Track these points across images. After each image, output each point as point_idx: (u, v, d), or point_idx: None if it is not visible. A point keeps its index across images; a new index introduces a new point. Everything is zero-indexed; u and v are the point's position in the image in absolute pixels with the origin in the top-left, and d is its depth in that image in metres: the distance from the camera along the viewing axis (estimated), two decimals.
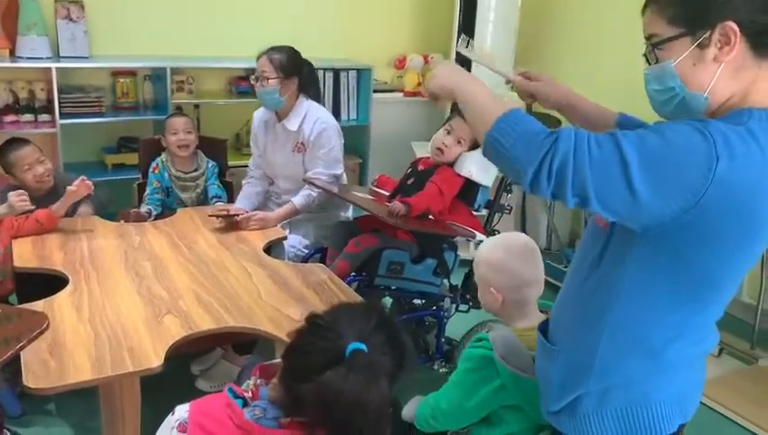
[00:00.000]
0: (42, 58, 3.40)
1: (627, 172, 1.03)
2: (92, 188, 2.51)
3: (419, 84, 4.46)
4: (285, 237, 2.65)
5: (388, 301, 2.73)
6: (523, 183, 1.10)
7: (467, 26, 3.97)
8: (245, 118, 4.11)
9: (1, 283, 2.26)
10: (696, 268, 1.13)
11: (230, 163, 3.32)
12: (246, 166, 3.09)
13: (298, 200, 2.74)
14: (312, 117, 2.75)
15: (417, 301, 2.58)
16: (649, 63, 1.18)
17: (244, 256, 2.40)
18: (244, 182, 3.01)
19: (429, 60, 4.46)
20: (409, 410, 1.84)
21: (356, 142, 4.25)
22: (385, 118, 4.34)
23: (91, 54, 3.59)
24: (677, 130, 1.06)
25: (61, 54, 3.49)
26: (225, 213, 2.67)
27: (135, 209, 2.84)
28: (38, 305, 1.90)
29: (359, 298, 2.10)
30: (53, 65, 3.32)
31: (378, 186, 2.70)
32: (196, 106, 3.89)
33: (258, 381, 1.16)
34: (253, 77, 2.80)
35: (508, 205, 2.59)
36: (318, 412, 1.07)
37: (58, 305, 1.93)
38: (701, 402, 1.37)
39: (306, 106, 2.79)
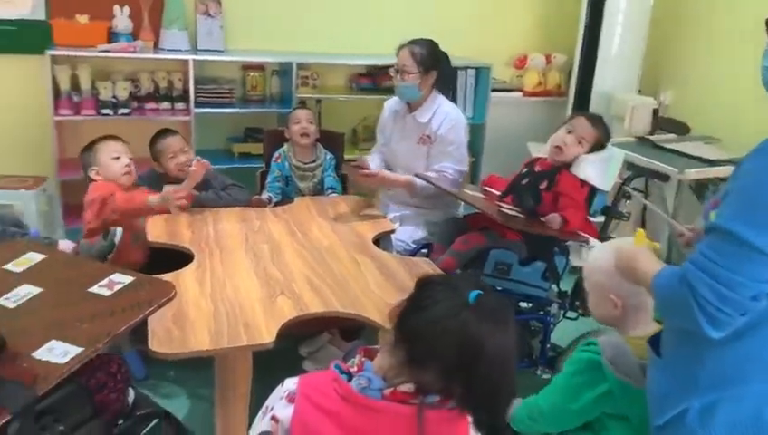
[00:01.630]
0: (181, 51, 3.65)
1: (753, 244, 1.09)
2: (209, 165, 2.66)
3: (539, 84, 4.38)
4: (394, 231, 2.70)
5: None
6: (712, 330, 1.14)
7: (594, 26, 3.85)
8: (364, 114, 4.23)
9: (135, 249, 2.46)
10: None
11: (346, 157, 3.41)
12: (354, 160, 3.16)
13: (419, 181, 2.76)
14: (443, 112, 2.81)
15: (523, 304, 2.55)
16: None
17: (355, 246, 2.47)
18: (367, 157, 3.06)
19: (552, 59, 4.36)
20: (508, 412, 1.82)
21: (470, 141, 4.19)
22: (502, 117, 4.29)
23: (225, 48, 3.82)
24: (755, 169, 1.13)
25: (198, 48, 3.74)
26: (360, 166, 2.75)
27: (257, 196, 3.00)
28: (166, 278, 2.06)
29: None
30: (191, 57, 3.55)
31: (488, 184, 2.69)
32: (318, 101, 4.02)
33: (363, 358, 1.21)
34: (392, 70, 2.86)
35: (627, 212, 2.50)
36: (441, 366, 1.10)
37: (183, 279, 2.08)
38: None
39: (439, 101, 2.86)
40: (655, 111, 3.59)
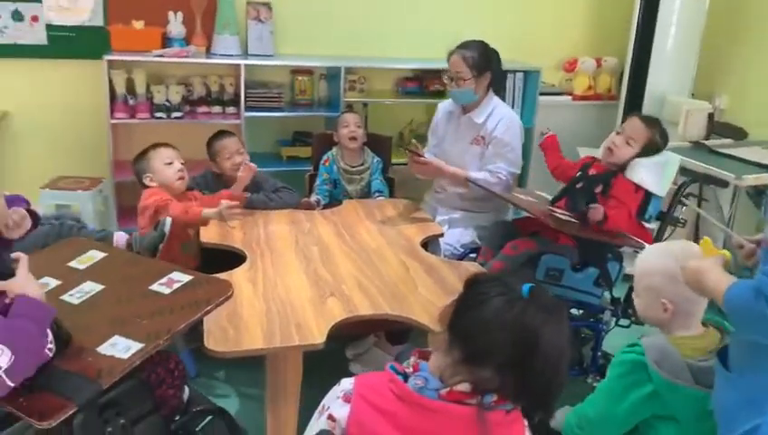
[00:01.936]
0: (232, 55, 3.72)
1: None
2: (256, 169, 2.69)
3: (589, 88, 4.31)
4: (442, 234, 2.69)
5: None
6: None
7: (647, 27, 3.77)
8: (409, 117, 4.24)
9: (185, 257, 2.51)
10: None
11: (393, 161, 3.42)
12: (406, 164, 3.17)
13: (473, 174, 2.76)
14: (499, 114, 2.80)
15: (574, 311, 2.51)
16: None
17: (403, 249, 2.47)
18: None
19: (602, 62, 4.29)
20: (558, 420, 1.80)
21: None
22: (550, 121, 4.20)
23: (274, 53, 3.87)
24: None
25: (249, 52, 3.80)
26: (417, 153, 2.76)
27: (306, 199, 3.03)
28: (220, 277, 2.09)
29: None
30: (243, 62, 3.61)
31: (544, 144, 2.66)
32: (365, 105, 4.05)
33: (417, 359, 1.21)
34: (446, 77, 2.85)
35: (682, 218, 2.44)
36: (498, 362, 1.10)
37: (236, 279, 2.11)
38: None
39: (494, 102, 2.85)
40: (710, 116, 3.50)
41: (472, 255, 2.68)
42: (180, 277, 1.54)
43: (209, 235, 2.48)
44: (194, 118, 3.71)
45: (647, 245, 2.21)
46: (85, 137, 3.71)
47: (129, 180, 3.34)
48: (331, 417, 1.15)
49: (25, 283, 1.30)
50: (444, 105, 3.06)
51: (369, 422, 1.12)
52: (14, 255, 1.34)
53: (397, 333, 2.70)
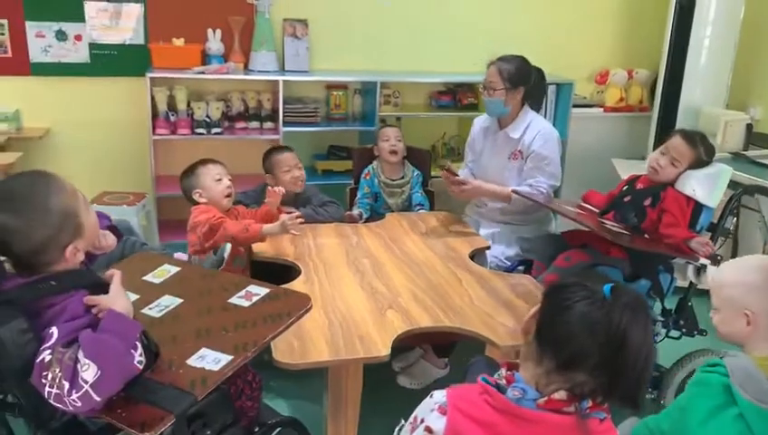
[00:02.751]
0: (269, 72, 3.78)
1: None
2: (283, 192, 2.66)
3: (621, 100, 4.33)
4: (489, 247, 2.71)
5: None
6: None
7: (680, 41, 3.79)
8: (443, 131, 4.28)
9: (234, 270, 2.55)
10: None
11: (432, 174, 3.45)
12: (439, 178, 3.19)
13: (515, 190, 2.78)
14: (536, 127, 2.82)
15: None
16: None
17: (452, 261, 2.49)
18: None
19: (634, 74, 4.31)
20: (625, 431, 1.80)
21: None
22: (582, 133, 4.25)
23: (310, 69, 3.92)
24: None
25: (285, 68, 3.86)
26: (453, 173, 2.80)
27: (348, 212, 3.06)
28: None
29: None
30: (280, 78, 3.67)
31: (585, 200, 2.67)
32: (398, 118, 4.08)
33: (508, 371, 1.22)
34: (481, 86, 2.91)
35: (732, 229, 2.44)
36: (591, 363, 1.13)
37: (301, 292, 2.13)
38: None
39: (530, 116, 2.87)
40: (749, 126, 3.50)
41: (520, 267, 2.70)
42: (258, 290, 1.57)
43: (262, 248, 2.51)
44: (233, 133, 3.77)
45: (700, 257, 2.23)
46: (127, 153, 3.77)
47: (170, 195, 3.41)
48: (428, 429, 1.16)
49: (116, 298, 1.33)
50: (479, 121, 3.09)
51: (467, 433, 1.14)
52: (108, 272, 1.38)
53: (442, 346, 2.71)
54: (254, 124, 3.84)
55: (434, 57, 4.18)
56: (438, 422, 1.16)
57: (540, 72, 2.90)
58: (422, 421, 1.18)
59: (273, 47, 3.82)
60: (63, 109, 3.69)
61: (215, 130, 3.68)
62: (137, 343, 1.27)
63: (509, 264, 2.75)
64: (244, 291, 1.57)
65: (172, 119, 3.61)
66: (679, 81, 3.84)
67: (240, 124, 3.83)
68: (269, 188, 2.69)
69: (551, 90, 4.17)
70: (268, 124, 3.83)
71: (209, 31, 3.71)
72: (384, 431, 1.25)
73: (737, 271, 1.60)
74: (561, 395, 1.15)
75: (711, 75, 3.80)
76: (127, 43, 3.69)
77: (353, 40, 4.05)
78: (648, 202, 2.40)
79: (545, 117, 4.17)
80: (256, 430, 1.57)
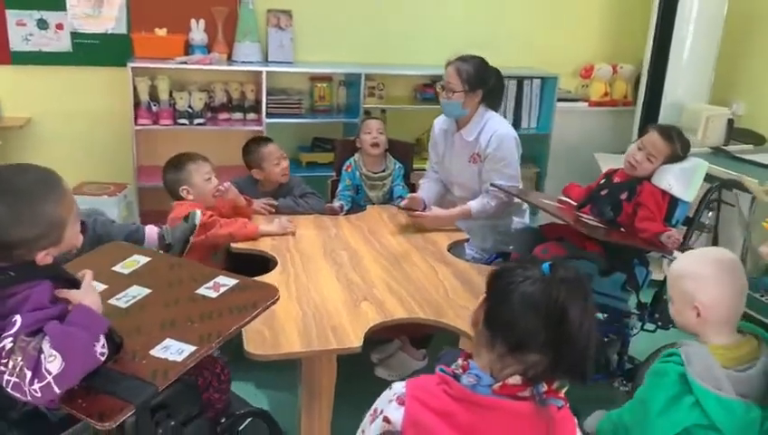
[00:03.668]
0: (253, 62, 3.76)
1: None
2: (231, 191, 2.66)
3: (606, 94, 4.34)
4: (468, 239, 2.71)
5: None
6: None
7: (664, 34, 3.79)
8: (428, 124, 4.24)
9: (213, 264, 2.54)
10: None
11: (415, 166, 3.44)
12: (423, 170, 3.19)
13: (474, 205, 2.77)
14: (491, 129, 2.75)
15: (600, 315, 2.52)
16: None
17: (430, 253, 2.49)
18: (420, 181, 3.10)
19: (618, 69, 4.32)
20: (591, 424, 1.82)
21: (535, 151, 4.22)
22: (566, 127, 4.26)
23: (294, 60, 3.91)
24: None
25: (269, 59, 3.84)
26: (410, 209, 2.76)
27: (329, 204, 3.05)
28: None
29: None
30: (264, 69, 3.65)
31: (565, 193, 2.67)
32: (383, 111, 4.07)
33: (464, 360, 1.24)
34: (439, 85, 2.85)
35: (708, 223, 2.46)
36: (539, 341, 1.15)
37: (269, 283, 2.14)
38: None
39: (486, 117, 2.80)
40: (730, 122, 3.51)
41: (498, 259, 2.70)
42: (226, 281, 1.57)
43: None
44: (216, 124, 3.75)
45: (674, 250, 2.24)
46: (109, 143, 3.75)
47: (152, 186, 3.39)
48: (386, 420, 1.17)
49: (86, 293, 1.33)
50: (438, 122, 3.04)
51: (425, 423, 1.15)
52: (80, 273, 1.38)
53: (420, 338, 2.72)
54: (238, 115, 3.82)
55: (419, 50, 4.17)
56: (396, 413, 1.16)
57: (498, 73, 2.84)
58: (381, 412, 1.19)
59: (257, 38, 3.80)
60: (45, 98, 3.65)
61: (197, 120, 3.66)
62: (101, 335, 1.27)
63: (486, 256, 2.76)
64: (212, 282, 1.56)
65: (154, 109, 3.59)
66: (662, 76, 3.86)
67: (223, 115, 3.81)
68: (220, 187, 2.63)
69: (535, 84, 4.18)
70: (251, 115, 3.81)
71: (192, 21, 3.69)
72: (358, 423, 1.25)
73: (691, 263, 1.62)
74: (515, 380, 1.17)
75: (694, 70, 3.81)
76: (109, 32, 3.66)
77: (338, 31, 4.03)
78: (624, 196, 2.41)
79: (529, 110, 4.21)
80: (223, 421, 1.57)
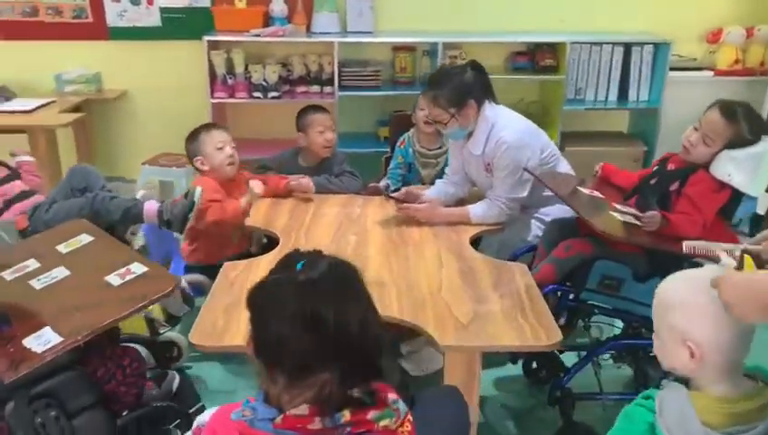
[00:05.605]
0: (331, 33, 3.66)
1: None
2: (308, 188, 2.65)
3: (737, 62, 3.68)
4: (502, 229, 2.43)
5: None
6: None
7: None
8: (520, 96, 3.90)
9: (234, 246, 2.54)
10: None
11: None
12: None
13: (475, 211, 2.44)
14: (496, 136, 2.40)
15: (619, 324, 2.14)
16: None
17: (448, 244, 2.26)
18: (437, 181, 2.76)
19: (755, 32, 3.63)
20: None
21: (643, 127, 3.73)
22: (684, 100, 3.66)
23: (375, 30, 3.75)
24: None
25: (348, 29, 3.72)
26: (400, 200, 2.51)
27: (373, 183, 2.90)
28: (241, 265, 2.06)
29: (550, 317, 1.80)
30: (336, 40, 3.54)
31: (602, 176, 2.28)
32: None
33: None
34: (424, 115, 2.71)
35: None
36: (318, 360, 1.02)
37: (257, 267, 2.05)
38: None
39: (492, 120, 2.44)
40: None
41: (529, 253, 2.38)
42: (137, 269, 1.51)
43: (255, 218, 2.46)
44: (293, 97, 3.73)
45: (723, 257, 1.80)
46: (189, 116, 3.85)
47: None
48: None
49: None
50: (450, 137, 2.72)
51: None
52: None
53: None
54: (315, 88, 3.77)
55: (512, 15, 3.82)
56: None
57: (474, 66, 2.45)
58: None
59: (335, 7, 3.69)
60: (137, 72, 3.87)
61: (272, 93, 3.66)
62: None
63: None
64: (124, 268, 1.51)
65: (230, 82, 3.64)
66: None
67: (301, 88, 3.78)
68: (297, 181, 2.63)
69: (646, 50, 3.65)
70: (328, 88, 3.73)
71: None
72: None
73: (684, 289, 1.24)
74: (300, 410, 0.99)
75: None
76: (193, 5, 3.76)
77: None
78: (674, 187, 1.98)
79: (638, 81, 3.71)
80: (124, 413, 1.52)
